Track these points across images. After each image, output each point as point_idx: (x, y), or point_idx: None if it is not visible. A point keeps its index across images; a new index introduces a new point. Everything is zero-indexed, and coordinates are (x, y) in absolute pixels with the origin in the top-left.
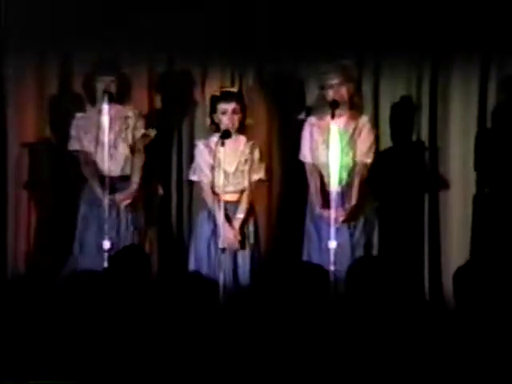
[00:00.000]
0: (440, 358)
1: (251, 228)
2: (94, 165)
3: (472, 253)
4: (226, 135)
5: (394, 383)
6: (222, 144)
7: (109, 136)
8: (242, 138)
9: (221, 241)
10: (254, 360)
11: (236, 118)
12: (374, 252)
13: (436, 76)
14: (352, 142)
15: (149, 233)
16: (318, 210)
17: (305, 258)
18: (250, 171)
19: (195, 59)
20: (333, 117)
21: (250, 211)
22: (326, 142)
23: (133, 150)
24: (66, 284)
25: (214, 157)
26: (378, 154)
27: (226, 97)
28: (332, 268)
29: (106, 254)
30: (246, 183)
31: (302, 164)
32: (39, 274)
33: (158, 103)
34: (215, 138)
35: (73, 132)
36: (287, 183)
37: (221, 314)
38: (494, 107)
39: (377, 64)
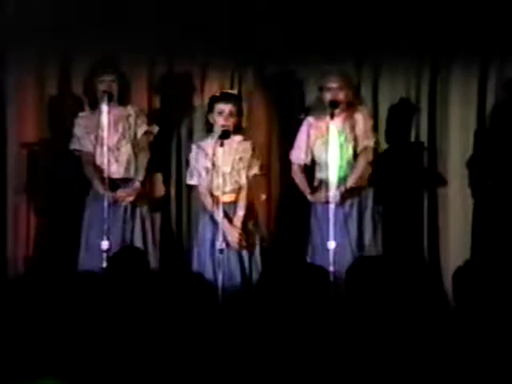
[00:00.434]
0: (440, 357)
1: (252, 227)
2: (96, 165)
3: (472, 252)
4: (225, 135)
5: (395, 383)
6: (221, 144)
7: (112, 138)
8: (237, 138)
9: (220, 242)
10: (253, 360)
11: (232, 120)
12: (367, 228)
13: (435, 77)
14: (351, 135)
15: (149, 233)
16: (308, 196)
17: (308, 255)
18: (246, 168)
19: (195, 59)
20: (332, 117)
21: (250, 211)
22: (325, 142)
23: (137, 148)
24: (65, 285)
25: (211, 159)
26: (378, 155)
27: (224, 97)
28: (331, 268)
29: (104, 255)
30: (242, 181)
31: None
32: (39, 274)
33: (157, 103)
34: (210, 141)
35: (76, 131)
36: (287, 183)
37: (221, 314)
38: (493, 108)
39: (376, 64)
